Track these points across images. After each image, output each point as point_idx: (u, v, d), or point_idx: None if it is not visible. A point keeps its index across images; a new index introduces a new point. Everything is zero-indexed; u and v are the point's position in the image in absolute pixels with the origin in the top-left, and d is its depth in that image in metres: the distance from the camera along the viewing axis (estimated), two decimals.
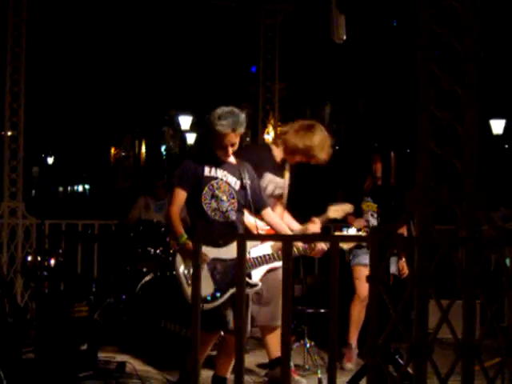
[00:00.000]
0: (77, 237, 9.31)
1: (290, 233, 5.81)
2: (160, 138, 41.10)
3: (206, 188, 5.54)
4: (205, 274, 5.31)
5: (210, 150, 5.62)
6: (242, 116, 5.54)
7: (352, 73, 28.23)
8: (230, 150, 5.57)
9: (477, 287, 3.34)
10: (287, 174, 6.43)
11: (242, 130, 5.54)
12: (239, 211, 5.64)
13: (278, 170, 6.33)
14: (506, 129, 24.10)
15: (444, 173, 3.51)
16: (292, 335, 6.65)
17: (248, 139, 25.75)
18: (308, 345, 6.88)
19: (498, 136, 24.09)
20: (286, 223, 6.10)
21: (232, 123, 5.47)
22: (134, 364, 6.76)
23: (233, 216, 5.58)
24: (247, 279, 5.48)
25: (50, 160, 43.71)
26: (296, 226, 6.26)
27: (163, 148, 41.82)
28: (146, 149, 41.91)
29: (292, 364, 6.37)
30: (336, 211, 6.44)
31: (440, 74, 3.40)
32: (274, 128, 10.01)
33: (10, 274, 8.85)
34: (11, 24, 8.97)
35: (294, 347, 6.77)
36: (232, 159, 5.68)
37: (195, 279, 3.54)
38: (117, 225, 9.23)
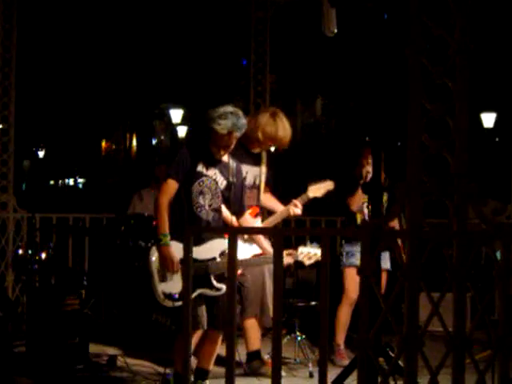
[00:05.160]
0: (68, 230, 9.29)
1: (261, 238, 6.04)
2: (151, 131, 41.01)
3: (196, 183, 5.55)
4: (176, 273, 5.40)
5: (206, 145, 5.63)
6: (242, 120, 5.54)
7: (343, 66, 28.19)
8: (223, 151, 5.59)
9: (467, 280, 3.35)
10: (264, 163, 6.52)
11: (238, 133, 5.56)
12: (218, 211, 5.67)
13: (253, 160, 6.44)
14: (496, 122, 24.11)
15: (435, 166, 3.52)
16: (283, 328, 6.65)
17: None
18: (299, 338, 6.88)
19: (488, 129, 24.12)
20: (271, 206, 6.51)
21: (230, 125, 5.48)
22: (125, 357, 6.76)
23: (211, 214, 5.61)
24: (214, 282, 5.47)
25: (41, 153, 43.55)
26: (281, 208, 6.47)
27: (154, 141, 41.73)
28: (136, 142, 41.81)
29: (268, 356, 6.41)
30: (316, 190, 6.39)
31: (431, 68, 3.41)
32: None
33: (1, 267, 8.82)
34: (1, 17, 8.91)
35: (284, 340, 6.76)
36: (225, 158, 5.69)
37: (186, 280, 3.54)
38: (111, 219, 9.16)
